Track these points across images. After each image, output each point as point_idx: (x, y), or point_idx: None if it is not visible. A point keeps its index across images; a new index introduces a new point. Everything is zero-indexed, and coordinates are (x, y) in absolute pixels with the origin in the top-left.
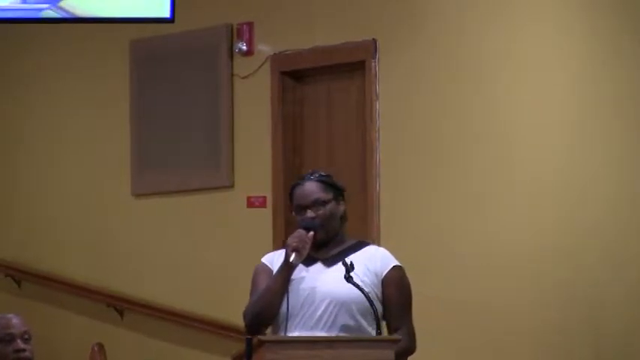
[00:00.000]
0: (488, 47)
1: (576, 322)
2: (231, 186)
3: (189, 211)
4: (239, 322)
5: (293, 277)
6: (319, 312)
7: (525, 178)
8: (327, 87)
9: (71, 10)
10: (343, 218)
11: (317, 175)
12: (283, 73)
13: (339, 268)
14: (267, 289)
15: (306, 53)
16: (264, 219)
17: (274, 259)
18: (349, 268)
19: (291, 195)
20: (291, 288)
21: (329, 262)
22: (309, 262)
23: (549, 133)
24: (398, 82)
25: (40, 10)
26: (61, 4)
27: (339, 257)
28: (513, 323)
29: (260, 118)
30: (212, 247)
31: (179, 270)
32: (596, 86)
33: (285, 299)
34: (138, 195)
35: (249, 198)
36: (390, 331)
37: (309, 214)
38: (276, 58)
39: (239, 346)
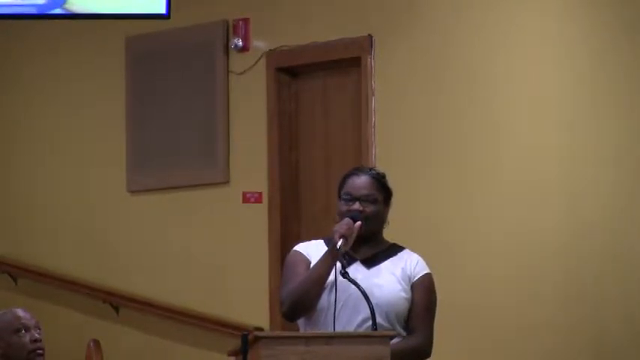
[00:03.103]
0: (484, 44)
1: (576, 321)
2: (227, 182)
3: (185, 207)
4: (235, 317)
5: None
6: (362, 312)
7: (523, 177)
8: (323, 83)
9: (67, 6)
10: (385, 222)
11: (375, 172)
12: (279, 69)
13: (379, 271)
14: (310, 276)
15: (301, 49)
16: (260, 215)
17: (310, 250)
18: (344, 264)
19: (343, 181)
20: (332, 283)
21: (368, 264)
22: (347, 260)
23: (546, 130)
24: (394, 79)
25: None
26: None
27: (379, 259)
28: (511, 322)
29: (256, 114)
30: (208, 243)
31: (175, 266)
32: (593, 84)
33: (331, 290)
34: (133, 191)
35: (244, 194)
36: (409, 334)
37: (357, 206)
38: (271, 54)
39: (235, 342)
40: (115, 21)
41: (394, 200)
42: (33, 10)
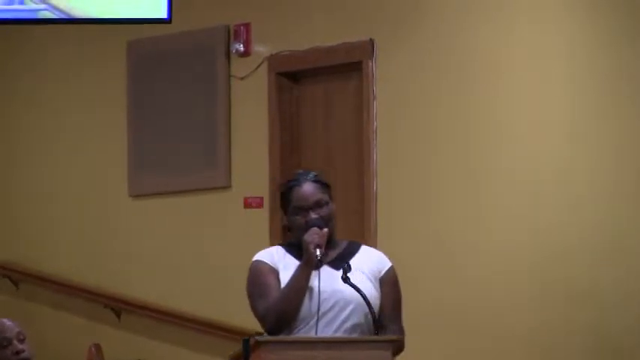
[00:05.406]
0: (486, 47)
1: (576, 322)
2: (228, 187)
3: (187, 211)
4: (236, 322)
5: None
6: (344, 315)
7: (524, 178)
8: (325, 87)
9: (68, 10)
10: (335, 218)
11: (313, 176)
12: (280, 74)
13: (349, 272)
14: (290, 288)
15: (303, 54)
16: (261, 220)
17: (275, 258)
18: (346, 269)
19: (285, 195)
20: (310, 290)
21: (336, 265)
22: (316, 265)
23: (548, 132)
24: (395, 83)
25: (37, 10)
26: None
27: (344, 259)
28: (512, 324)
29: (257, 118)
30: (209, 247)
31: (176, 271)
32: (595, 84)
33: (308, 298)
34: (135, 196)
35: (246, 199)
36: (380, 329)
37: (312, 215)
38: (273, 59)
39: (236, 347)
40: (116, 26)
41: (396, 203)
42: (33, 15)
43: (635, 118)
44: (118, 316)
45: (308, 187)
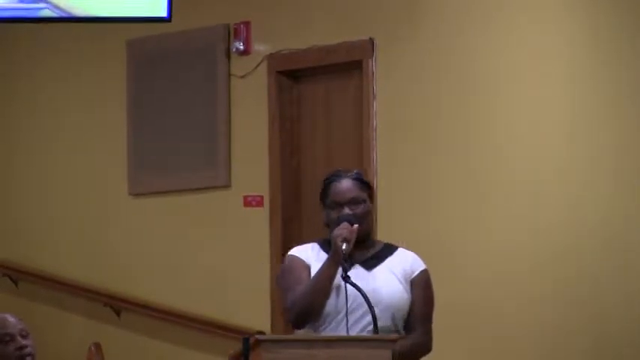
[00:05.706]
0: (486, 46)
1: (576, 322)
2: (228, 185)
3: (187, 210)
4: (236, 321)
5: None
6: (367, 316)
7: (525, 178)
8: (325, 86)
9: (69, 9)
10: (373, 218)
11: (354, 173)
12: (280, 73)
13: (380, 272)
14: (317, 282)
15: (303, 53)
16: (261, 218)
17: (307, 254)
18: (346, 268)
19: (325, 190)
20: (337, 287)
21: (368, 266)
22: (348, 264)
23: (548, 132)
24: (395, 82)
25: (38, 9)
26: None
27: (377, 260)
28: (512, 324)
29: (257, 117)
30: (209, 246)
31: (176, 269)
32: (595, 84)
33: (335, 295)
34: (135, 195)
35: (246, 197)
36: (408, 331)
37: (347, 211)
38: (273, 58)
39: (236, 346)
40: (115, 24)
41: (396, 202)
42: (33, 14)
43: (635, 118)
44: (118, 314)
45: (346, 184)
